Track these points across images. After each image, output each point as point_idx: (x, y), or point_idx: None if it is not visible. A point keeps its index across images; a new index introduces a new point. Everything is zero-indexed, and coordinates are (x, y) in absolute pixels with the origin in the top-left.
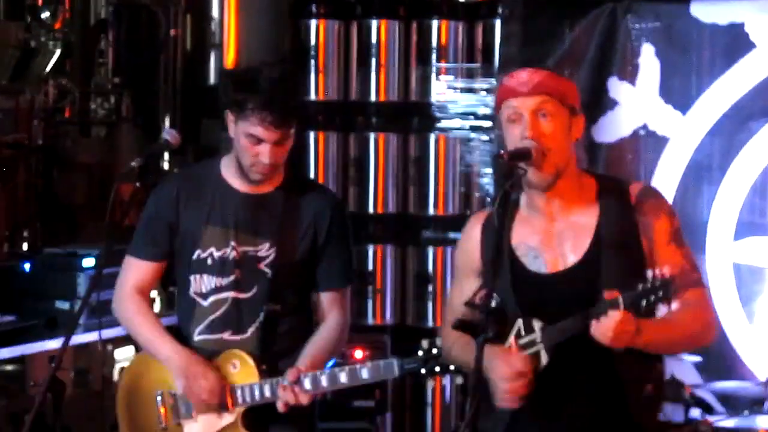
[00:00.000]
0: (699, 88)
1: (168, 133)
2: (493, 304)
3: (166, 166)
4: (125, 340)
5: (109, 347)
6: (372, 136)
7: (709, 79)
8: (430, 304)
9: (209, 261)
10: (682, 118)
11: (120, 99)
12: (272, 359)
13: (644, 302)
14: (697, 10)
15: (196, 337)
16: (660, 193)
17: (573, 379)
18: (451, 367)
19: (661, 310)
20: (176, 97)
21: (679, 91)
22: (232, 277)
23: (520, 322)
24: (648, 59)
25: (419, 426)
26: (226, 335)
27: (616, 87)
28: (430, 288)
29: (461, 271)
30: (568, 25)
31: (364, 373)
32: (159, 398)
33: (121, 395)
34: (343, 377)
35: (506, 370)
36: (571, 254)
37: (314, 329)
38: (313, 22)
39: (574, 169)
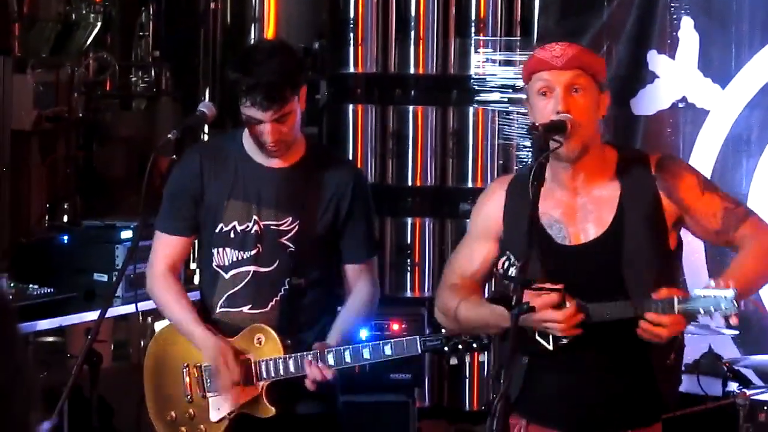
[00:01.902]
0: (738, 61)
1: (204, 105)
2: (513, 272)
3: (205, 138)
4: None
5: (149, 319)
6: (410, 109)
7: (748, 52)
8: None
9: (232, 234)
10: (721, 92)
11: (160, 72)
12: (296, 332)
13: (699, 316)
14: None
15: (218, 310)
16: (677, 158)
17: (597, 337)
18: (474, 345)
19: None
20: (216, 71)
21: (718, 65)
22: (253, 252)
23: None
24: (687, 32)
25: (456, 398)
26: (246, 309)
27: (655, 60)
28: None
29: (477, 232)
30: None
31: (387, 349)
32: (185, 370)
33: (147, 364)
34: (366, 353)
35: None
36: (594, 227)
37: (341, 301)
38: None
39: (599, 144)
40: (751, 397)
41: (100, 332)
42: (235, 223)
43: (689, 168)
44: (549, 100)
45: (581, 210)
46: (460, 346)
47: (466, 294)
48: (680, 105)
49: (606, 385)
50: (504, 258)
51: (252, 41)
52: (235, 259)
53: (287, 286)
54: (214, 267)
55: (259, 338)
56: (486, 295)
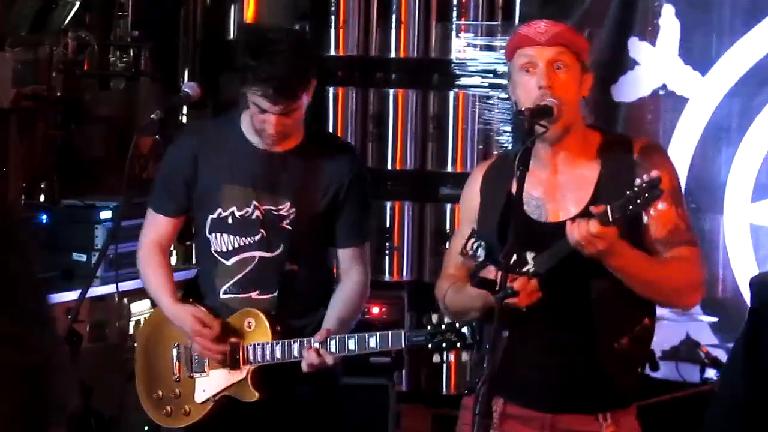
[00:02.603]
0: (719, 49)
1: (188, 86)
2: (482, 255)
3: (184, 119)
4: (141, 293)
5: (125, 300)
6: (391, 92)
7: (729, 40)
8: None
9: (230, 220)
10: (702, 79)
11: (139, 52)
12: (289, 318)
13: (631, 207)
14: None
15: (222, 296)
16: (664, 149)
17: (572, 318)
18: (458, 344)
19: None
20: (195, 51)
21: (698, 52)
22: (257, 237)
23: (514, 257)
24: (668, 19)
25: (435, 382)
26: (255, 294)
27: (637, 47)
28: (448, 245)
29: (464, 219)
30: None
31: (372, 342)
32: (175, 350)
33: (140, 342)
34: (352, 344)
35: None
36: (572, 206)
37: (334, 287)
38: None
39: (581, 124)
40: None
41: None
42: (234, 208)
43: (670, 167)
44: (532, 76)
45: (561, 188)
46: (444, 344)
47: (457, 280)
48: (661, 92)
49: (581, 366)
50: (473, 240)
51: (233, 21)
52: (237, 245)
53: (285, 271)
54: (213, 252)
55: (249, 322)
56: None
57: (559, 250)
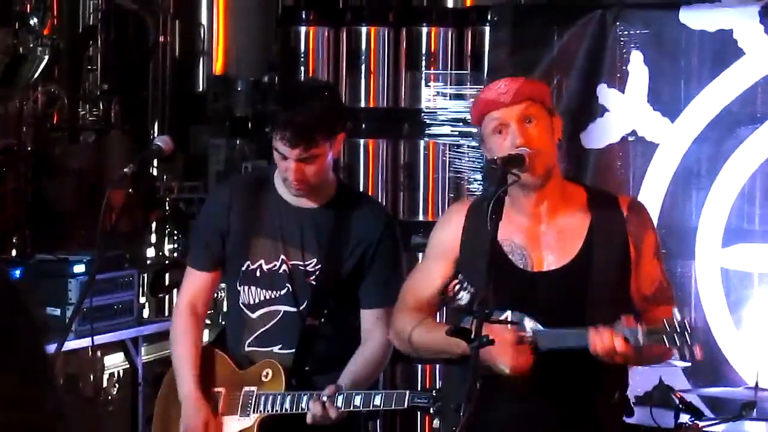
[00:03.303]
0: (687, 95)
1: (161, 139)
2: (466, 299)
3: (154, 172)
4: (115, 346)
5: (99, 353)
6: (362, 142)
7: (697, 86)
8: None
9: (258, 273)
10: (671, 125)
11: (109, 105)
12: (308, 374)
13: (658, 341)
14: (686, 17)
15: (247, 348)
16: (646, 207)
17: (552, 365)
18: (460, 413)
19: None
20: (165, 104)
21: (667, 98)
22: (284, 291)
23: (508, 314)
24: (637, 66)
25: (409, 430)
26: (276, 348)
27: (605, 94)
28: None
29: (434, 254)
30: (557, 32)
31: (377, 400)
32: None
33: (162, 392)
34: (358, 401)
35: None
36: (558, 256)
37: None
38: (303, 29)
39: (559, 173)
40: (703, 429)
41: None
42: (262, 261)
43: (653, 225)
44: (505, 137)
45: (545, 237)
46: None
47: (421, 317)
48: (630, 138)
49: (557, 413)
50: (456, 282)
51: (202, 74)
52: (263, 298)
53: (306, 326)
54: (240, 305)
55: (267, 372)
56: (438, 320)
57: (568, 340)
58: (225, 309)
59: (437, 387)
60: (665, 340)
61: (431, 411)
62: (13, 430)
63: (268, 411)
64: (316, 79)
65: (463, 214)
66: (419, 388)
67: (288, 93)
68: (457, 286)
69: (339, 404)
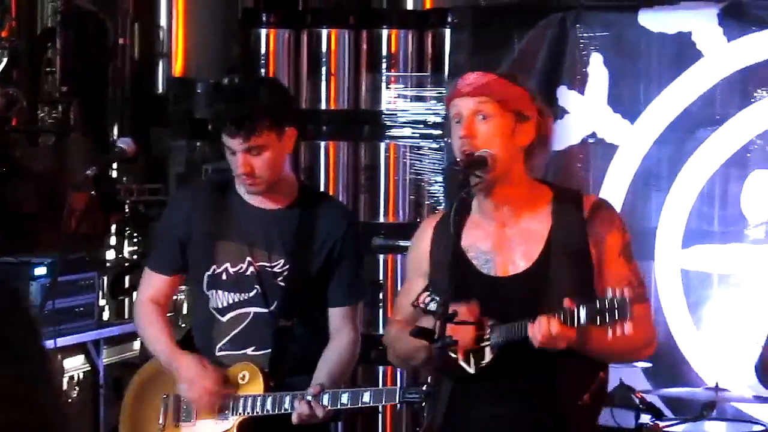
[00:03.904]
0: (647, 96)
1: (123, 141)
2: (433, 306)
3: (114, 174)
4: (76, 348)
5: (59, 356)
6: (322, 144)
7: (657, 87)
8: (381, 311)
9: (224, 276)
10: (631, 127)
11: (68, 108)
12: (284, 375)
13: (599, 319)
14: (645, 20)
15: (218, 353)
16: (613, 206)
17: (512, 380)
18: None
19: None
20: (125, 106)
21: (627, 100)
22: (252, 293)
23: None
24: (596, 68)
25: (371, 430)
26: (250, 351)
27: (565, 96)
28: (381, 295)
29: (411, 272)
30: (517, 34)
31: (366, 397)
32: (164, 400)
33: (129, 395)
34: (345, 398)
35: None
36: (521, 260)
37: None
38: (263, 31)
39: (522, 175)
40: (664, 429)
41: None
42: (228, 264)
43: (619, 225)
44: (459, 127)
45: (510, 241)
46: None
47: (404, 326)
48: (590, 140)
49: (527, 414)
50: (426, 294)
51: (161, 76)
52: (232, 301)
53: (279, 328)
54: (211, 309)
55: (243, 375)
56: None
57: (517, 332)
58: (185, 312)
59: (429, 382)
60: (598, 316)
61: (423, 406)
62: (13, 430)
63: (248, 413)
64: (263, 77)
65: (432, 228)
66: (380, 408)
67: (230, 88)
68: (428, 298)
69: (325, 402)
